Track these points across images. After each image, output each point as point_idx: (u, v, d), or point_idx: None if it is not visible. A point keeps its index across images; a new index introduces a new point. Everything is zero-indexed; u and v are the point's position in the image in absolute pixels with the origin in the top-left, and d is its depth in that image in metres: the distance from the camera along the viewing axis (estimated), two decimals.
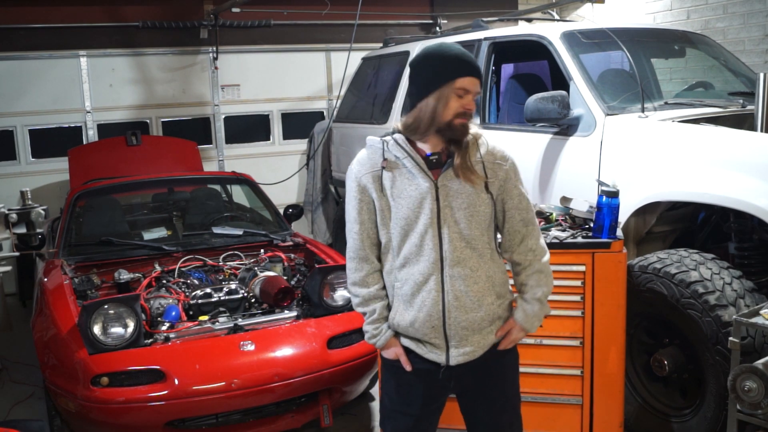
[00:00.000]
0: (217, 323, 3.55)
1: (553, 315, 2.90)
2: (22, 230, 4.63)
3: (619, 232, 3.06)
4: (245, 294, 3.81)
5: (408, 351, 2.21)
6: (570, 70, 4.07)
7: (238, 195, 5.68)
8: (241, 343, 3.33)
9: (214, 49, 7.26)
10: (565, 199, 3.36)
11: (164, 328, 3.48)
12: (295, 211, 5.20)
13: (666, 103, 4.06)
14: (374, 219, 2.20)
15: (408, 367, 2.21)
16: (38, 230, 4.68)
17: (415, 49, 5.60)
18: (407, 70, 5.45)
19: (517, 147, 4.37)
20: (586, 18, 8.12)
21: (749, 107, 3.84)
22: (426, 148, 2.14)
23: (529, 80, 5.15)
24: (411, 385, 2.24)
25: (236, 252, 4.36)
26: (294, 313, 3.68)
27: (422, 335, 2.16)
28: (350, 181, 2.21)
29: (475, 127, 2.20)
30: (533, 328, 2.25)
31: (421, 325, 2.14)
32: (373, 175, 2.16)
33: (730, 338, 2.69)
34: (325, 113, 7.91)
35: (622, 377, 3.07)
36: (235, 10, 7.00)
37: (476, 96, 2.13)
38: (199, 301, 3.70)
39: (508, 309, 2.27)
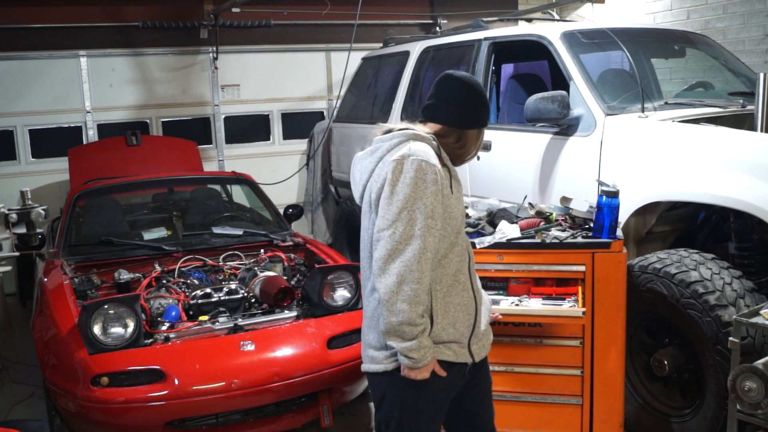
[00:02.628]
0: (217, 323, 3.55)
1: (552, 315, 2.92)
2: (22, 230, 4.62)
3: (619, 232, 3.06)
4: (245, 294, 3.80)
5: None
6: (570, 70, 4.08)
7: (238, 195, 5.68)
8: (241, 343, 3.33)
9: (214, 49, 7.26)
10: (565, 199, 3.36)
11: (164, 328, 3.48)
12: (295, 211, 5.20)
13: (666, 103, 4.06)
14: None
15: (443, 373, 2.12)
16: (38, 230, 4.66)
17: (415, 49, 5.61)
18: (408, 70, 5.50)
19: (517, 147, 4.39)
20: (586, 18, 8.11)
21: (749, 107, 3.84)
22: None
23: (529, 80, 5.15)
24: (435, 400, 2.18)
25: (236, 252, 4.36)
26: (294, 313, 3.68)
27: (459, 336, 2.15)
28: (429, 173, 2.03)
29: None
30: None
31: (461, 324, 2.15)
32: (440, 171, 2.09)
33: (730, 338, 2.69)
34: (325, 113, 7.91)
35: (622, 377, 3.07)
36: (235, 10, 7.00)
37: None
38: (199, 301, 3.70)
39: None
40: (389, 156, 2.10)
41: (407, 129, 2.18)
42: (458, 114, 2.21)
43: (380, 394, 2.22)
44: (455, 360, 2.16)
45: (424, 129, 2.20)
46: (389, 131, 2.21)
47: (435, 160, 2.08)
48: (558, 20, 6.64)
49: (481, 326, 2.24)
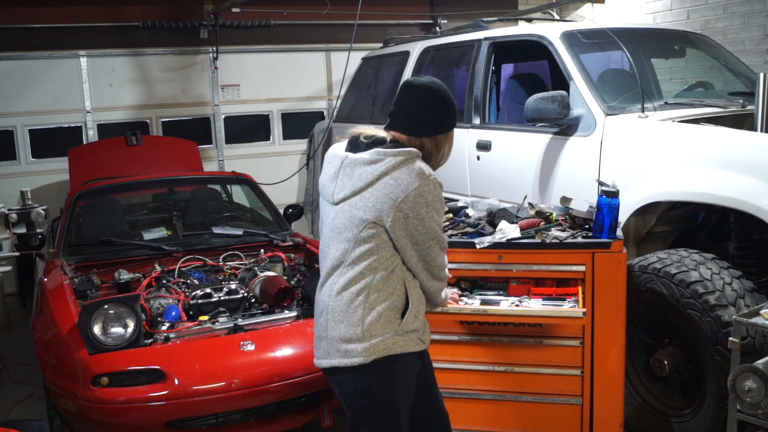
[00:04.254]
0: (217, 323, 3.55)
1: (552, 315, 2.92)
2: (22, 230, 4.63)
3: (619, 232, 3.05)
4: (245, 294, 3.80)
5: (403, 355, 2.29)
6: (570, 70, 4.08)
7: (238, 195, 5.68)
8: (241, 343, 3.33)
9: (214, 49, 7.26)
10: (565, 199, 3.36)
11: (164, 328, 3.48)
12: (295, 211, 5.20)
13: (666, 103, 4.06)
14: None
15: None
16: (38, 230, 4.68)
17: (415, 49, 5.60)
18: (408, 70, 5.49)
19: (517, 147, 4.39)
20: (586, 18, 8.12)
21: (749, 107, 3.83)
22: None
23: (529, 80, 5.15)
24: (406, 387, 2.36)
25: (236, 252, 4.35)
26: (294, 313, 3.68)
27: (420, 325, 2.35)
28: (440, 189, 2.29)
29: None
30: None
31: (421, 314, 2.39)
32: None
33: (730, 338, 2.69)
34: (325, 113, 7.91)
35: (622, 377, 3.07)
36: (235, 10, 7.00)
37: None
38: (199, 301, 3.70)
39: None
40: (400, 174, 2.23)
41: (403, 147, 2.29)
42: (427, 124, 2.34)
43: (351, 389, 2.29)
44: (420, 349, 2.35)
45: (403, 140, 2.33)
46: (372, 137, 2.31)
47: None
48: (558, 20, 6.64)
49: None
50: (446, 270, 2.47)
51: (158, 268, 4.07)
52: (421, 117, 2.33)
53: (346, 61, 6.17)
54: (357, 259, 2.25)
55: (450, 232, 3.18)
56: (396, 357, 2.26)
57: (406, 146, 2.30)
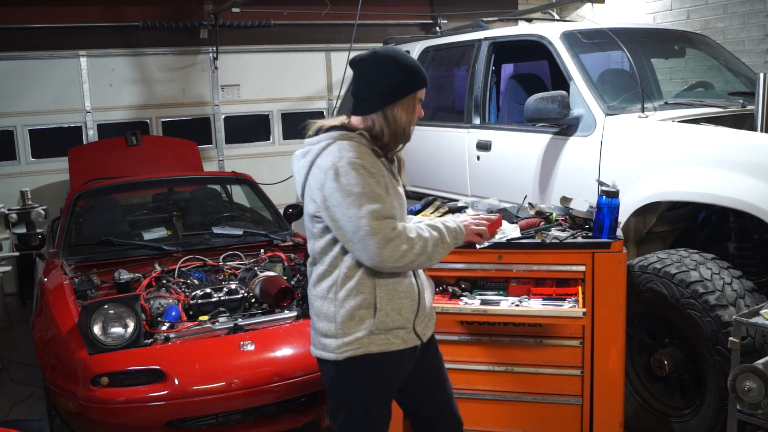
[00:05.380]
0: (217, 323, 3.55)
1: (552, 315, 2.92)
2: (22, 230, 4.63)
3: (619, 232, 3.05)
4: (245, 294, 3.80)
5: (382, 354, 2.22)
6: (570, 70, 4.08)
7: (238, 195, 5.68)
8: (241, 343, 3.33)
9: (214, 49, 7.26)
10: (565, 199, 3.36)
11: (164, 328, 3.48)
12: (295, 211, 5.20)
13: (666, 103, 4.06)
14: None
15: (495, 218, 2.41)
16: (38, 230, 4.67)
17: (415, 49, 5.60)
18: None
19: (517, 147, 4.39)
20: (586, 18, 8.11)
21: (749, 107, 3.83)
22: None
23: (529, 80, 5.14)
24: (383, 390, 2.31)
25: (236, 252, 4.35)
26: (294, 313, 3.68)
27: (405, 321, 2.25)
28: (359, 169, 2.10)
29: None
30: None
31: (406, 310, 2.25)
32: (379, 162, 2.20)
33: (730, 338, 2.69)
34: (325, 113, 7.90)
35: (622, 377, 3.07)
36: (235, 10, 7.00)
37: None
38: (199, 301, 3.70)
39: None
40: (321, 161, 2.16)
41: (334, 128, 2.23)
42: (372, 99, 2.19)
43: (328, 380, 2.32)
44: (405, 347, 2.26)
45: (355, 124, 2.24)
46: (319, 129, 2.27)
47: (365, 156, 2.15)
48: (558, 20, 6.64)
49: (425, 308, 2.34)
50: (398, 246, 2.09)
51: (158, 268, 4.07)
52: (364, 94, 2.22)
53: (346, 61, 6.15)
54: (319, 255, 2.24)
55: None
56: (374, 356, 2.21)
57: (352, 129, 2.21)
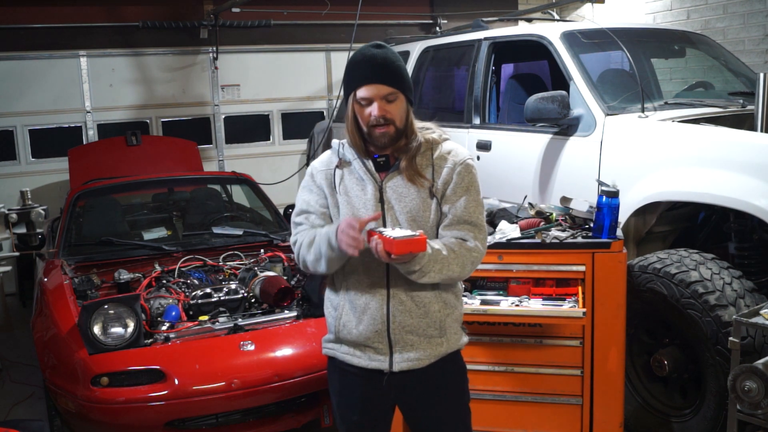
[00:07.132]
0: (217, 323, 3.54)
1: (552, 315, 2.92)
2: (22, 230, 4.63)
3: (619, 232, 3.06)
4: (245, 294, 3.80)
5: (346, 365, 2.20)
6: (570, 70, 4.08)
7: (238, 195, 5.67)
8: (241, 343, 3.33)
9: (214, 49, 7.26)
10: (565, 199, 3.36)
11: (164, 328, 3.47)
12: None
13: (666, 103, 4.06)
14: (324, 213, 2.22)
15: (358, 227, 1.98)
16: (38, 230, 4.68)
17: (415, 49, 5.60)
18: (408, 70, 5.48)
19: (517, 147, 4.39)
20: (586, 18, 8.11)
21: (749, 107, 3.84)
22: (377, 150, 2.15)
23: (529, 80, 5.15)
24: (352, 390, 2.24)
25: (236, 252, 4.35)
26: (294, 313, 3.68)
27: (365, 339, 2.13)
28: (307, 175, 2.26)
29: (437, 131, 2.23)
30: (413, 266, 2.01)
31: (365, 328, 2.12)
32: (327, 173, 2.20)
33: (730, 338, 2.69)
34: (325, 113, 7.91)
35: (622, 377, 3.07)
36: (235, 10, 7.00)
37: (391, 100, 2.06)
38: (199, 301, 3.70)
39: (458, 321, 2.23)
40: None
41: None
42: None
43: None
44: (364, 365, 2.16)
45: None
46: None
47: (319, 163, 2.24)
48: (558, 20, 6.64)
49: (403, 336, 2.11)
50: (305, 255, 2.16)
51: (158, 268, 4.06)
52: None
53: (346, 61, 6.17)
54: None
55: None
56: (329, 359, 2.31)
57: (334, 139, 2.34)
